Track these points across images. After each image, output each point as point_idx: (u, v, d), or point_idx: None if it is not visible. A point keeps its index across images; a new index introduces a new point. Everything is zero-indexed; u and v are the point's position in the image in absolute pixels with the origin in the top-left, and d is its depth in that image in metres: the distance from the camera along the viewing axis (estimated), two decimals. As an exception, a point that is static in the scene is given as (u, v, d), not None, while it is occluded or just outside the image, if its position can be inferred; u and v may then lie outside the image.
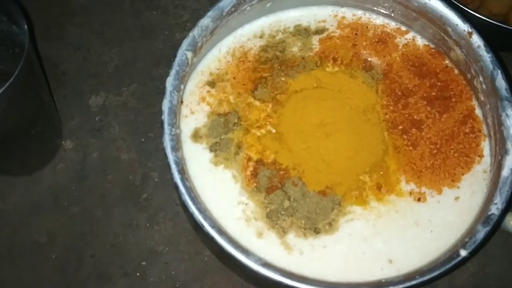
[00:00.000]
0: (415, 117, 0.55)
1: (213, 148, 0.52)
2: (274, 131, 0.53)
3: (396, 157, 0.53)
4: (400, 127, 0.54)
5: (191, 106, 0.54)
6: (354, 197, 0.51)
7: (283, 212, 0.49)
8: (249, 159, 0.51)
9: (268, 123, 0.53)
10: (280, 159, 0.52)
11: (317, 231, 0.49)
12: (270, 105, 0.54)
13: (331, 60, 0.57)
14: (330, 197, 0.50)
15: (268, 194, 0.50)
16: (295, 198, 0.50)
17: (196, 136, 0.52)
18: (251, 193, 0.50)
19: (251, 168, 0.51)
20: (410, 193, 0.51)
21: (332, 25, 0.59)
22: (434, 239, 0.49)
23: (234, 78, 0.55)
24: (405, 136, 0.54)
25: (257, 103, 0.54)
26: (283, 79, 0.55)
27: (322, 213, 0.49)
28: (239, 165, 0.51)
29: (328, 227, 0.49)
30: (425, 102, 0.56)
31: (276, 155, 0.52)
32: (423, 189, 0.52)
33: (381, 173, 0.52)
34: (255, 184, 0.50)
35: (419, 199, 0.51)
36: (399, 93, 0.56)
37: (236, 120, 0.53)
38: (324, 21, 0.59)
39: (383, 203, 0.51)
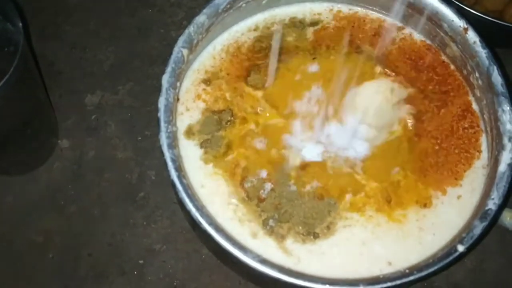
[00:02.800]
0: (414, 108, 0.55)
1: (203, 145, 0.52)
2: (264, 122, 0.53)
3: (405, 151, 0.53)
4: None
5: (187, 104, 0.54)
6: (349, 203, 0.50)
7: (278, 219, 0.49)
8: (237, 164, 0.51)
9: (259, 111, 0.53)
10: (267, 160, 0.51)
11: (315, 236, 0.49)
12: (261, 93, 0.54)
13: (324, 47, 0.57)
14: (326, 201, 0.50)
15: (260, 202, 0.50)
16: (289, 203, 0.49)
17: (189, 132, 0.52)
18: (241, 200, 0.49)
19: (238, 177, 0.50)
20: (416, 201, 0.51)
21: (327, 17, 0.59)
22: (436, 241, 0.49)
23: (228, 74, 0.55)
24: (409, 123, 0.54)
25: (249, 89, 0.54)
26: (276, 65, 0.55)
27: (318, 217, 0.49)
28: (228, 166, 0.51)
29: (326, 230, 0.49)
30: (422, 96, 0.56)
31: (266, 153, 0.52)
32: (430, 191, 0.51)
33: (393, 185, 0.51)
34: (245, 193, 0.50)
35: (425, 205, 0.51)
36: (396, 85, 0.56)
37: (229, 118, 0.53)
38: (319, 13, 0.59)
39: (385, 215, 0.50)
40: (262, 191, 0.50)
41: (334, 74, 0.55)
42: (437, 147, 0.53)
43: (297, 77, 0.55)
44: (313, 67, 0.56)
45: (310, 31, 0.58)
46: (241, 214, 0.49)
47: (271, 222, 0.49)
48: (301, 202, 0.49)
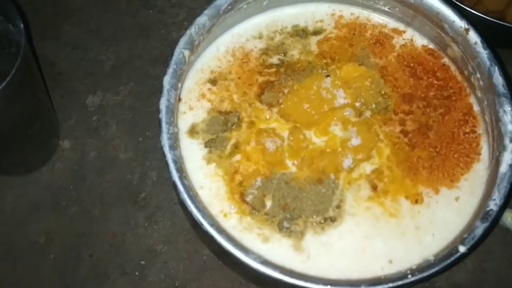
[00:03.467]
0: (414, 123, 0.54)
1: (208, 144, 0.52)
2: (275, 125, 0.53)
3: (392, 154, 0.53)
4: (398, 129, 0.54)
5: (190, 103, 0.54)
6: (347, 181, 0.51)
7: (291, 217, 0.49)
8: (237, 170, 0.50)
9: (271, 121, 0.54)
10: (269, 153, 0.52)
11: (333, 220, 0.49)
12: (276, 109, 0.54)
13: (329, 59, 0.57)
14: (326, 182, 0.50)
15: (266, 209, 0.49)
16: (295, 200, 0.50)
17: (192, 131, 0.52)
18: (251, 214, 0.49)
19: (237, 189, 0.50)
20: (406, 197, 0.51)
21: (329, 25, 0.59)
22: (435, 241, 0.49)
23: (239, 78, 0.55)
24: (403, 136, 0.54)
25: (263, 106, 0.54)
26: (290, 83, 0.55)
27: (326, 200, 0.50)
28: (229, 170, 0.51)
29: (338, 211, 0.49)
30: (424, 103, 0.55)
31: (271, 154, 0.52)
32: (420, 188, 0.51)
33: (377, 172, 0.52)
34: (249, 207, 0.49)
35: (416, 201, 0.51)
36: (397, 97, 0.56)
37: (236, 120, 0.53)
38: (321, 20, 0.59)
39: (378, 205, 0.50)
40: (265, 199, 0.50)
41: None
42: (434, 154, 0.53)
43: (311, 92, 0.55)
44: (327, 83, 0.56)
45: (313, 41, 0.58)
46: (246, 224, 0.49)
47: (285, 223, 0.49)
48: (305, 194, 0.50)
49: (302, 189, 0.50)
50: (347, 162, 0.52)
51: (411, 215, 0.50)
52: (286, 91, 0.55)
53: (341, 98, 0.55)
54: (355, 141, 0.53)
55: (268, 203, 0.50)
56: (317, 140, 0.53)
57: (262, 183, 0.50)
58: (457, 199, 0.51)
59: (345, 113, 0.54)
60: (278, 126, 0.53)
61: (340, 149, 0.52)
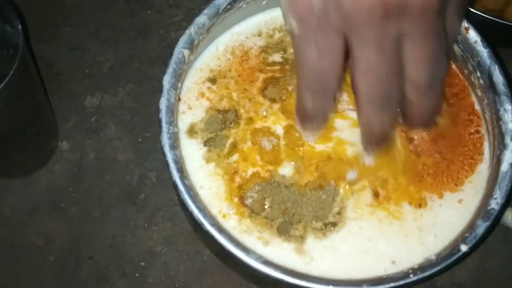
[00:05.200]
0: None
1: (207, 143, 0.51)
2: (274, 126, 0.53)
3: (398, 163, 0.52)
4: (403, 136, 0.53)
5: (189, 102, 0.53)
6: (349, 191, 0.50)
7: (290, 221, 0.49)
8: (237, 171, 0.50)
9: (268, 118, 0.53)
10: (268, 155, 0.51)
11: (333, 225, 0.49)
12: (278, 105, 0.53)
13: None
14: (327, 189, 0.50)
15: (266, 213, 0.49)
16: (295, 204, 0.49)
17: (191, 131, 0.52)
18: (250, 217, 0.49)
19: (236, 190, 0.49)
20: (410, 203, 0.50)
21: None
22: (438, 242, 0.49)
23: (239, 75, 0.55)
24: (408, 143, 0.53)
25: (265, 101, 0.54)
26: (294, 81, 0.54)
27: (326, 206, 0.49)
28: (229, 170, 0.50)
29: (338, 216, 0.49)
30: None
31: (270, 153, 0.51)
32: (423, 193, 0.51)
33: (381, 180, 0.51)
34: (249, 210, 0.49)
35: (419, 205, 0.50)
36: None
37: (234, 118, 0.52)
38: None
39: (381, 210, 0.50)
40: (265, 203, 0.49)
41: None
42: (439, 160, 0.52)
43: None
44: None
45: None
46: (246, 227, 0.49)
47: (285, 227, 0.48)
48: (305, 199, 0.49)
49: (302, 194, 0.49)
50: (351, 175, 0.51)
51: (414, 217, 0.50)
52: (290, 88, 0.54)
53: (345, 102, 0.54)
54: (368, 161, 0.51)
55: (268, 207, 0.49)
56: (322, 146, 0.52)
57: (262, 187, 0.50)
58: (460, 201, 0.51)
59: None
60: (275, 122, 0.52)
61: (347, 159, 0.51)
